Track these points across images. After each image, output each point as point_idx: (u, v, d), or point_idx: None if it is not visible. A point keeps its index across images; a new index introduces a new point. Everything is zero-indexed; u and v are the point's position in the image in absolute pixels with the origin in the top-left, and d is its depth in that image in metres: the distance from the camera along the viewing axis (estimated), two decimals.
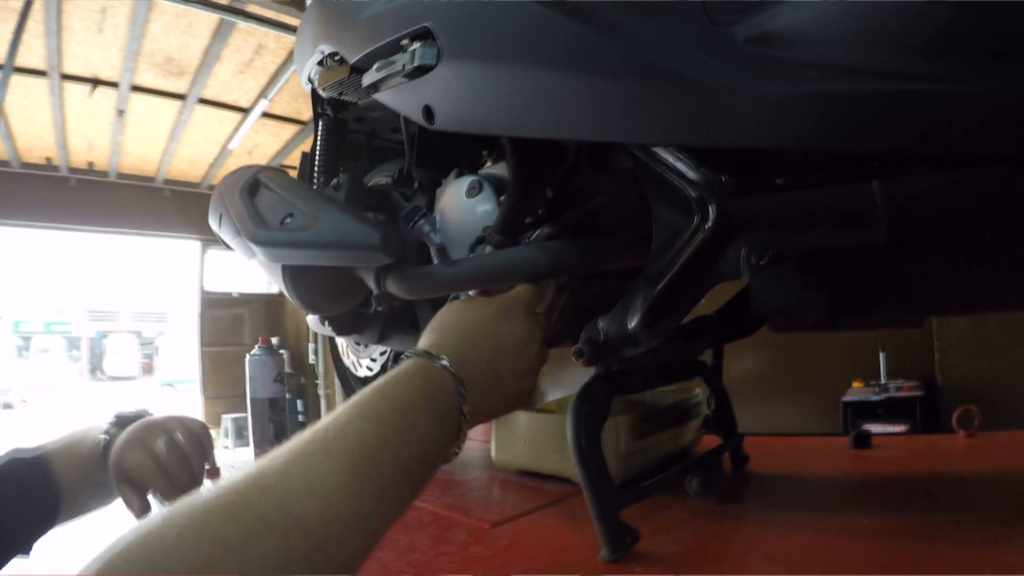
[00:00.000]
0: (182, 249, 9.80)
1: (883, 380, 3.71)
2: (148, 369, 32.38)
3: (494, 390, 0.66)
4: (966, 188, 0.56)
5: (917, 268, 0.65)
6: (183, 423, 0.88)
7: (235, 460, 1.65)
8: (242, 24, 4.98)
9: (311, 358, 8.55)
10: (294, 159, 7.68)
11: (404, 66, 0.86)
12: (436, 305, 1.19)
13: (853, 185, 0.58)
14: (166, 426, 0.86)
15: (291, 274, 1.13)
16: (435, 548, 0.89)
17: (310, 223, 1.01)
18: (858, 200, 0.58)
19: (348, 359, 1.65)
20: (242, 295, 9.69)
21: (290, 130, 7.06)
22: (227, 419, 9.03)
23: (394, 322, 1.34)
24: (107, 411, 0.93)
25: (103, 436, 0.88)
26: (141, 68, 5.75)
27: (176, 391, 23.35)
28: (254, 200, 1.18)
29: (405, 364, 0.60)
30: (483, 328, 0.67)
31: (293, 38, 4.82)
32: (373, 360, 1.56)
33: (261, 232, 1.07)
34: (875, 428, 3.24)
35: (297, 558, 0.44)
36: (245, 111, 6.53)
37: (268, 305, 9.82)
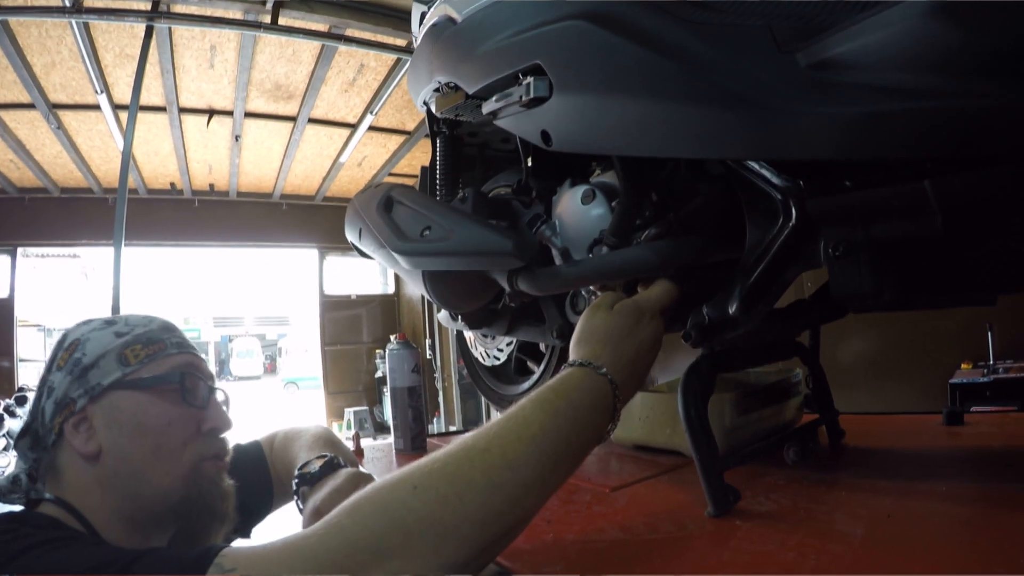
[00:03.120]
0: (301, 257, 10.27)
1: (991, 361, 3.59)
2: (271, 369, 33.84)
3: (634, 378, 0.83)
4: (1007, 182, 0.63)
5: (975, 252, 0.74)
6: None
7: (367, 445, 1.80)
8: (343, 48, 5.26)
9: (428, 354, 8.83)
10: (402, 167, 7.96)
11: (521, 97, 1.00)
12: (559, 301, 1.32)
13: (909, 184, 0.67)
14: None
15: (430, 278, 1.28)
16: (563, 508, 1.01)
17: (447, 234, 1.15)
18: (915, 197, 0.67)
19: (477, 351, 1.79)
20: (360, 296, 10.04)
21: (396, 140, 7.35)
22: (349, 412, 9.46)
23: (520, 315, 1.48)
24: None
25: (296, 482, 1.03)
26: (252, 96, 6.15)
27: (299, 388, 24.34)
28: (391, 215, 1.34)
29: (573, 371, 0.78)
30: (626, 335, 0.83)
31: (392, 56, 5.03)
32: (500, 351, 1.69)
33: (404, 244, 1.23)
34: (983, 410, 3.12)
35: (494, 512, 0.63)
36: (353, 126, 6.86)
37: (385, 305, 10.18)
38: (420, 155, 7.62)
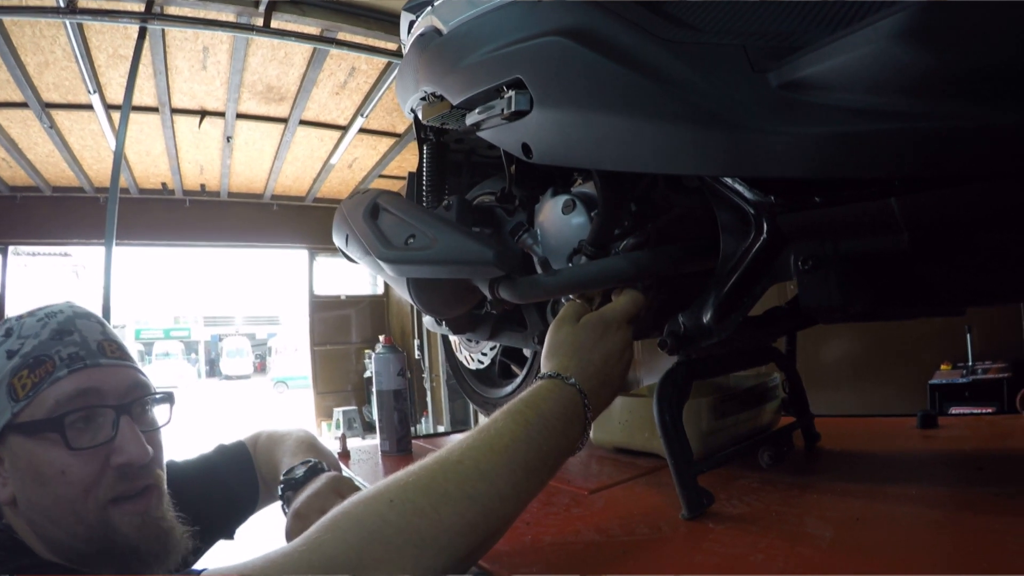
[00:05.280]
0: (291, 257, 10.26)
1: (970, 362, 3.62)
2: (261, 368, 33.83)
3: (605, 387, 0.84)
4: (970, 200, 0.65)
5: (940, 267, 0.76)
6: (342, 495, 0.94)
7: (354, 447, 1.81)
8: (334, 51, 5.25)
9: (416, 354, 8.82)
10: (391, 169, 7.95)
11: (503, 110, 1.00)
12: (540, 307, 1.33)
13: (877, 201, 0.69)
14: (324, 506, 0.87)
15: (415, 285, 1.29)
16: (543, 510, 1.02)
17: (431, 242, 1.16)
18: (882, 214, 0.69)
19: (461, 355, 1.80)
20: (349, 297, 10.05)
21: (387, 142, 7.35)
22: (338, 412, 9.47)
23: (503, 321, 1.49)
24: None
25: (282, 487, 1.03)
26: (244, 97, 6.14)
27: (288, 388, 24.31)
28: (377, 223, 1.34)
29: (543, 383, 0.79)
30: (591, 346, 0.84)
31: (383, 59, 5.02)
32: (484, 355, 1.70)
33: (388, 252, 1.23)
34: (962, 411, 3.15)
35: (469, 522, 0.64)
36: (343, 128, 6.85)
37: (374, 306, 10.19)
38: (410, 157, 7.62)
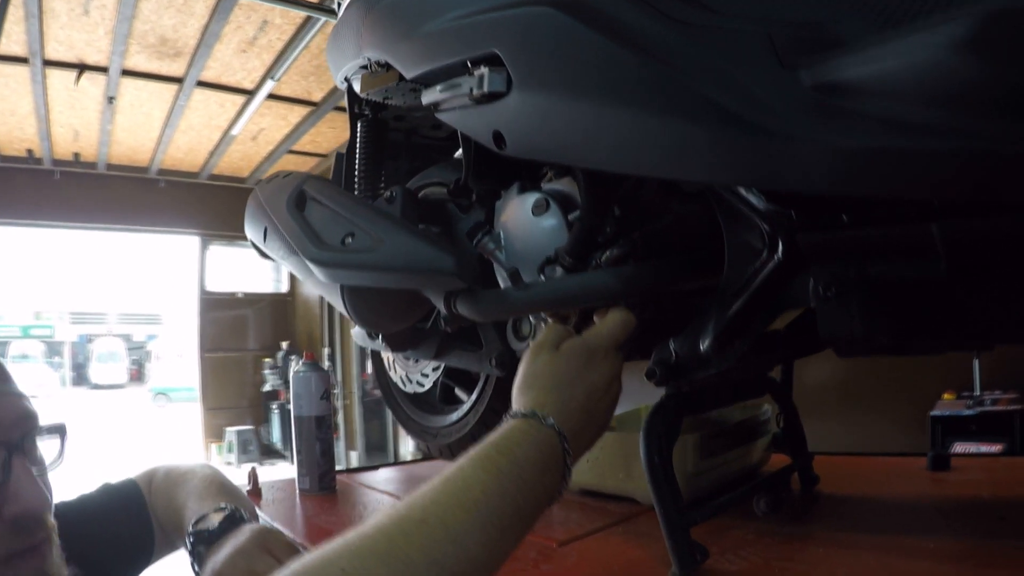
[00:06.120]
0: (179, 244, 10.01)
1: (977, 392, 3.65)
2: (137, 376, 32.97)
3: (588, 427, 0.83)
4: (1020, 231, 0.66)
5: (977, 300, 0.77)
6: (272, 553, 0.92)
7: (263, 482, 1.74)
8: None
9: (325, 365, 8.70)
10: (303, 144, 7.82)
11: (472, 90, 0.97)
12: (499, 324, 1.32)
13: (914, 226, 0.70)
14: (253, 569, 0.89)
15: (350, 293, 1.25)
16: (507, 566, 0.99)
17: (374, 244, 1.13)
18: (919, 239, 0.70)
19: (396, 374, 1.76)
20: (247, 295, 9.85)
21: (299, 112, 7.20)
22: (231, 432, 9.27)
23: (454, 338, 1.46)
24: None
25: (192, 540, 0.98)
26: (132, 51, 5.90)
27: (170, 400, 23.75)
28: (304, 215, 1.30)
29: (515, 424, 0.77)
30: (574, 378, 0.83)
31: (301, 12, 4.92)
32: (424, 376, 1.67)
33: (322, 253, 1.20)
34: (967, 447, 3.20)
35: None
36: (249, 93, 6.69)
37: (276, 306, 10.01)
38: (326, 131, 7.56)
